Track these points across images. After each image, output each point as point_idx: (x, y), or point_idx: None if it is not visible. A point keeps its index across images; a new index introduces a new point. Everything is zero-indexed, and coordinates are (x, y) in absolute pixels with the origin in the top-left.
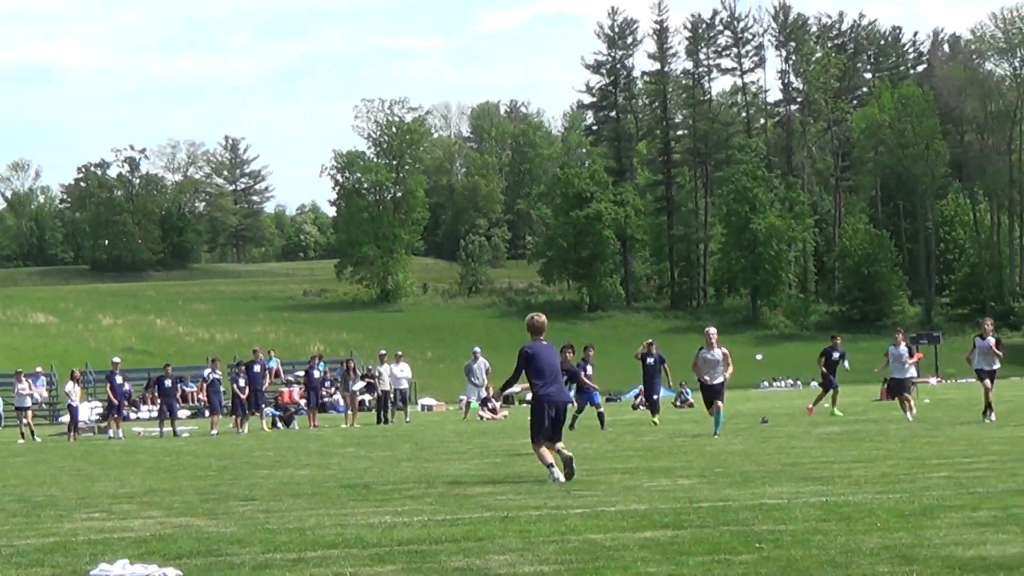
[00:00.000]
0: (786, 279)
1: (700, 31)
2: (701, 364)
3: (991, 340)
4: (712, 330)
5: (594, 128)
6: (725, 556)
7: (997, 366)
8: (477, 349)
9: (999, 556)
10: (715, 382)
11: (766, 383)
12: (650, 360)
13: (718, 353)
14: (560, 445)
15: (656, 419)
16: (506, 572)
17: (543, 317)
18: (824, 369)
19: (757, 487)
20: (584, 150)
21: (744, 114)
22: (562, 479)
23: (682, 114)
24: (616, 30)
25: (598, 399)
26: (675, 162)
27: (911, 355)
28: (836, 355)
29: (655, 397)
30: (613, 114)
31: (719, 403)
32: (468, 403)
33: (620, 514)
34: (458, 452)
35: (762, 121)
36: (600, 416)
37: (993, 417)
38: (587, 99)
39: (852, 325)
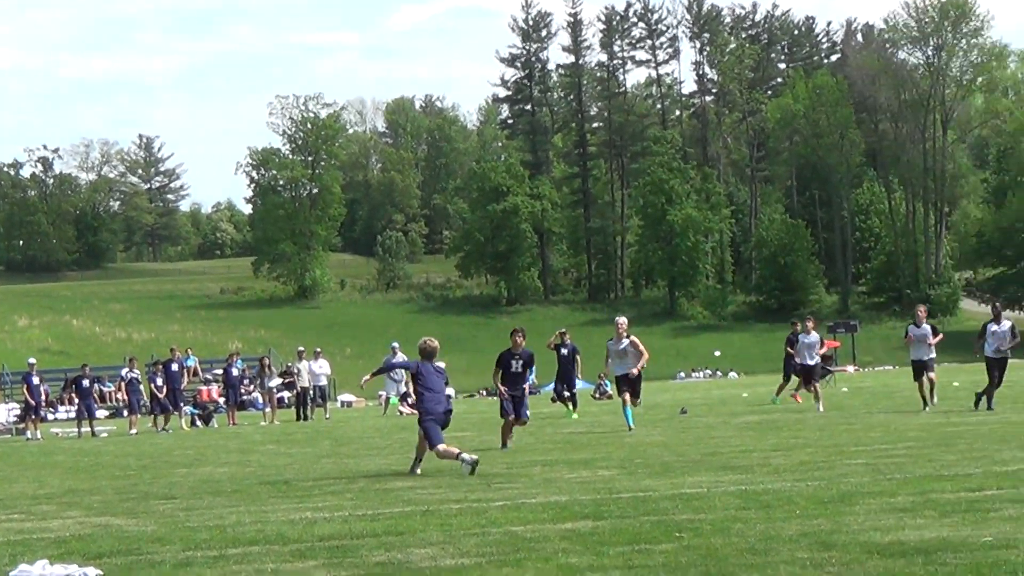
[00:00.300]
0: (703, 270)
1: (614, 23)
2: (612, 355)
3: (927, 328)
4: (622, 320)
5: (509, 122)
6: (645, 546)
7: (934, 355)
8: (395, 344)
9: (916, 541)
10: (624, 373)
11: (683, 374)
12: (564, 351)
13: (625, 343)
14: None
15: (576, 413)
16: (427, 565)
17: (435, 343)
18: (790, 352)
19: (677, 477)
20: (500, 144)
21: (659, 106)
22: (469, 458)
23: (597, 106)
24: (530, 23)
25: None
26: (591, 155)
27: (822, 344)
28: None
29: (574, 390)
30: (528, 107)
31: (626, 397)
32: (387, 399)
33: (541, 506)
34: (378, 447)
35: (677, 112)
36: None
37: (935, 401)
38: (502, 93)
39: (769, 315)
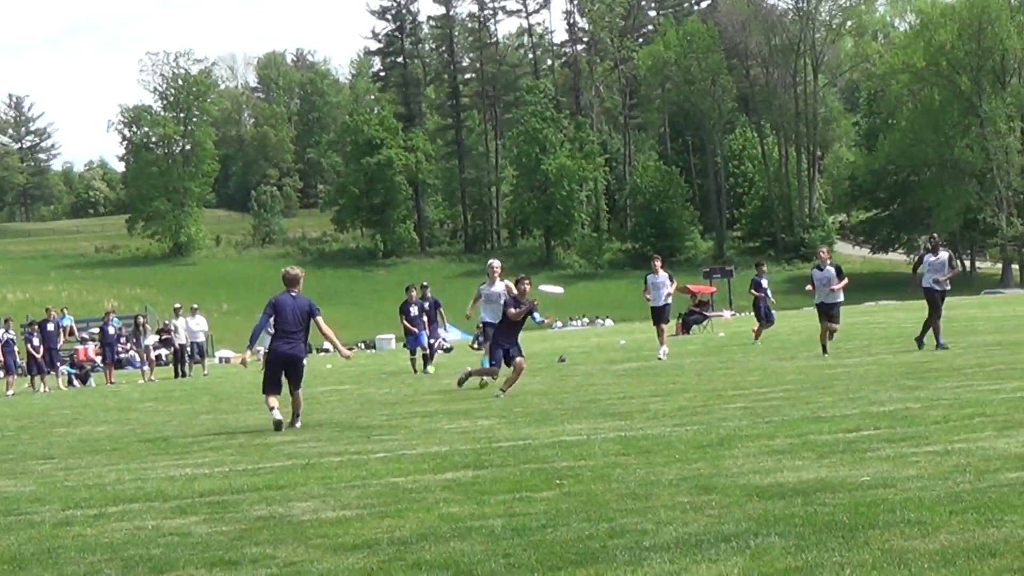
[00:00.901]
0: (579, 219)
1: None
2: (483, 299)
3: (831, 270)
4: (496, 263)
5: (382, 74)
6: (526, 494)
7: (840, 299)
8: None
9: (795, 482)
10: (494, 320)
11: (560, 323)
12: (425, 305)
13: (500, 286)
14: (299, 393)
15: (431, 368)
16: (309, 519)
17: (296, 270)
18: (756, 294)
19: (556, 425)
20: (372, 97)
21: (531, 55)
22: (279, 417)
23: (469, 58)
24: None
25: (424, 340)
26: (464, 106)
27: (671, 282)
28: (764, 282)
29: (432, 342)
30: (400, 60)
31: (485, 345)
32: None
33: (421, 457)
34: (257, 403)
35: (549, 62)
36: (425, 358)
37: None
38: (374, 46)
39: (645, 262)
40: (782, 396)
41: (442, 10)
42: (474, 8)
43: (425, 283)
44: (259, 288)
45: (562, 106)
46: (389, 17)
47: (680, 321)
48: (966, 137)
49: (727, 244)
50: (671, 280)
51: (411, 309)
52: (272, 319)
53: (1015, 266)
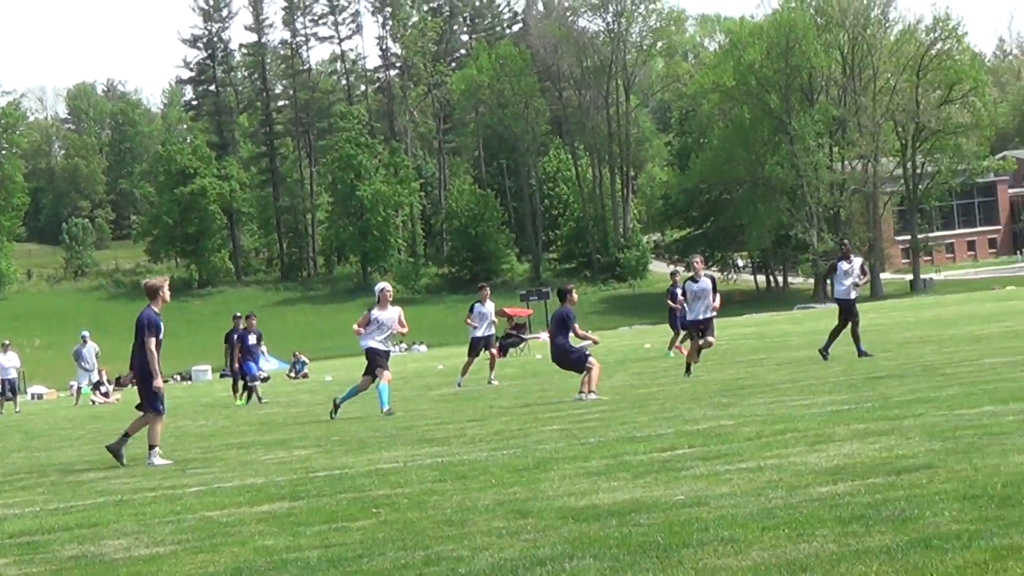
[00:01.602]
0: (395, 244)
1: (296, 1)
2: (378, 325)
3: (706, 282)
4: (387, 288)
5: (194, 103)
6: (342, 524)
7: (714, 313)
8: (85, 333)
9: (610, 503)
10: (383, 348)
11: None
12: (251, 337)
13: (394, 312)
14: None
15: (241, 400)
16: (121, 556)
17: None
18: (672, 306)
19: (373, 453)
20: (185, 126)
21: (344, 81)
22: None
23: (282, 85)
24: (211, 3)
25: (254, 370)
26: (278, 133)
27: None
28: (678, 291)
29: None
30: (212, 88)
31: (383, 372)
32: (79, 388)
33: (236, 489)
34: (71, 439)
35: (362, 88)
36: (250, 390)
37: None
38: (185, 74)
39: (463, 286)
40: (598, 417)
41: (254, 38)
42: (286, 35)
43: (251, 313)
44: (72, 322)
45: (376, 131)
46: (201, 45)
47: (497, 344)
48: (776, 154)
49: (543, 266)
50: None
51: (249, 337)
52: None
53: (827, 281)
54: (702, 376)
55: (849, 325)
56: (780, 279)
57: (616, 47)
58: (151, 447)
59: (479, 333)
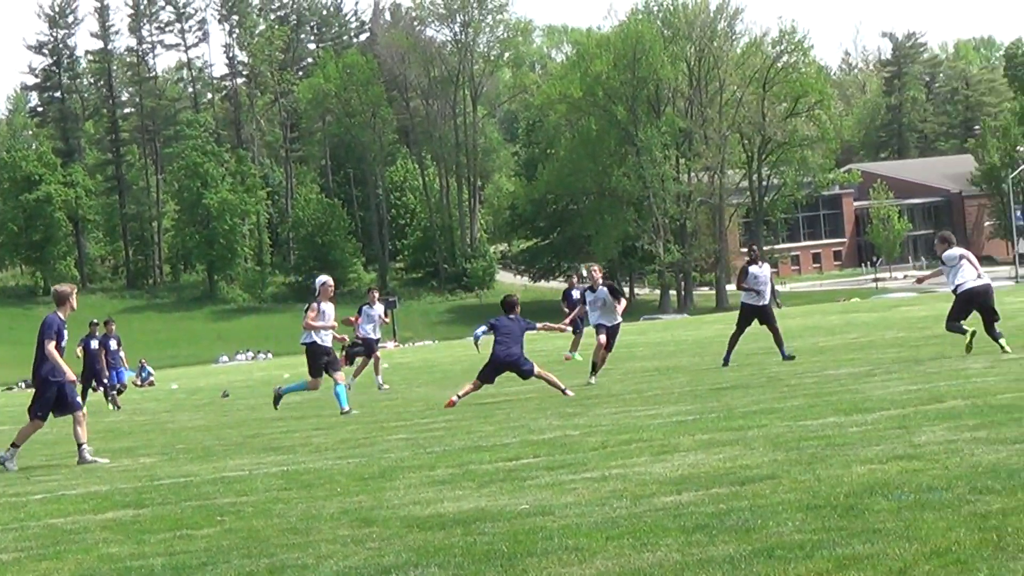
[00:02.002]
0: (241, 252)
1: (142, 8)
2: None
3: (603, 291)
4: (327, 280)
5: (39, 109)
6: (187, 531)
7: (619, 320)
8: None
9: (455, 512)
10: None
11: (225, 357)
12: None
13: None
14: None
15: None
16: None
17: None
18: (567, 310)
19: (219, 461)
20: (30, 132)
21: (191, 89)
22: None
23: (128, 92)
24: (57, 9)
25: (124, 377)
26: (124, 140)
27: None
28: (576, 293)
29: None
30: (58, 95)
31: (336, 374)
32: None
33: (81, 497)
34: None
35: (209, 96)
36: (107, 393)
37: (593, 380)
38: (31, 80)
39: (308, 295)
40: (444, 426)
41: (100, 44)
42: (132, 42)
43: (109, 319)
44: None
45: (223, 140)
46: (46, 52)
47: (344, 353)
48: (623, 166)
49: (390, 275)
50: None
51: (111, 343)
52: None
53: (672, 292)
54: (548, 386)
55: (768, 327)
56: (626, 290)
57: (463, 57)
58: (80, 445)
59: (371, 336)
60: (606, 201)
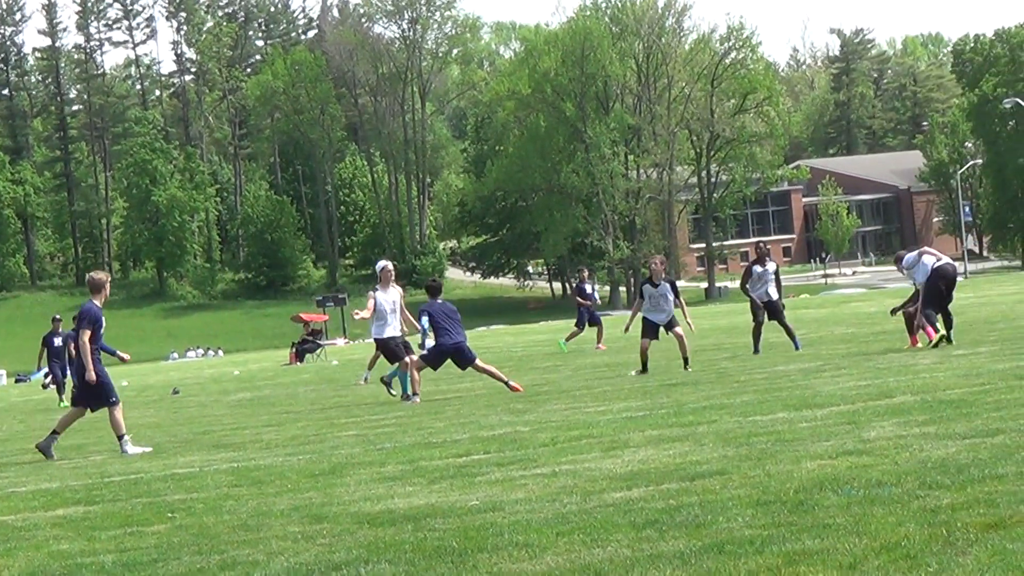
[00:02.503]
0: (191, 249)
1: (89, 5)
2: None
3: (665, 286)
4: (387, 264)
5: None
6: (137, 528)
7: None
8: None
9: (406, 508)
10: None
11: (176, 354)
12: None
13: (395, 292)
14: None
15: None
16: None
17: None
18: (581, 303)
19: (169, 458)
20: None
21: (139, 86)
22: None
23: (76, 89)
24: (4, 6)
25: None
26: (72, 138)
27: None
28: (587, 287)
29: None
30: (6, 92)
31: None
32: None
33: (31, 494)
34: None
35: (157, 93)
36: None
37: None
38: None
39: (259, 292)
40: (394, 423)
41: (48, 42)
42: (80, 40)
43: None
44: None
45: (172, 137)
46: None
47: (294, 350)
48: (572, 162)
49: (339, 272)
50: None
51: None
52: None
53: (622, 288)
54: (497, 383)
55: (777, 322)
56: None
57: (411, 54)
58: (120, 437)
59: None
60: (555, 198)
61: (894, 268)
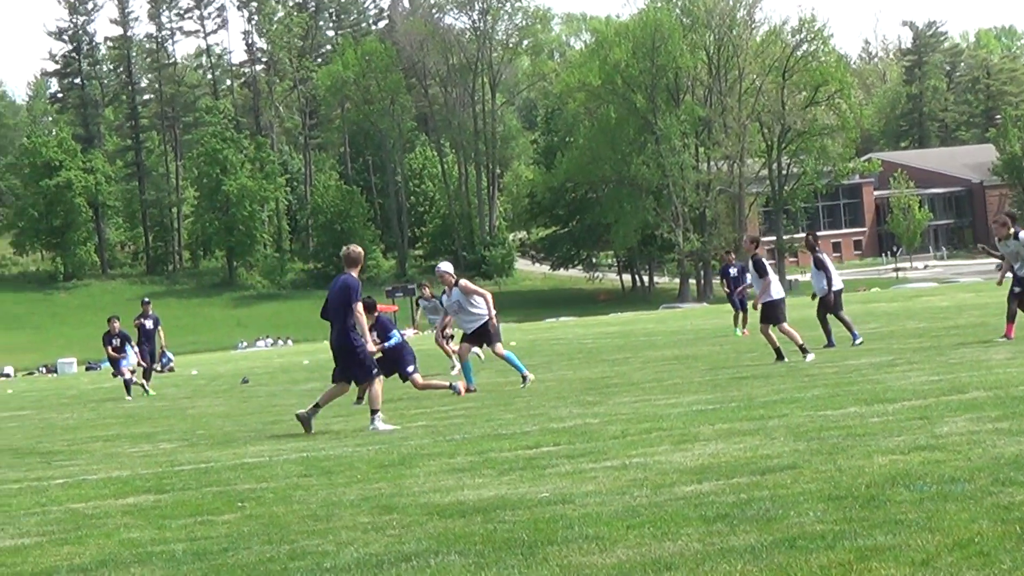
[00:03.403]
0: (260, 239)
1: None
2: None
3: (734, 269)
4: (446, 268)
5: (60, 96)
6: (208, 517)
7: (771, 297)
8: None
9: (475, 500)
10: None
11: (244, 343)
12: (148, 323)
13: (457, 293)
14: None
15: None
16: None
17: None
18: (727, 290)
19: (239, 447)
20: (51, 118)
21: (210, 76)
22: None
23: (148, 78)
24: None
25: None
26: (143, 127)
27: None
28: (733, 271)
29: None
30: (78, 81)
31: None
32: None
33: (102, 482)
34: None
35: (228, 82)
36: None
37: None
38: (51, 67)
39: (328, 281)
40: (463, 414)
41: (119, 31)
42: (152, 29)
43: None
44: None
45: (242, 126)
46: (66, 38)
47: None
48: (642, 154)
49: (409, 262)
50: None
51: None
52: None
53: (692, 280)
54: (568, 374)
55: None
56: (646, 278)
57: (482, 45)
58: (374, 412)
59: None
60: (625, 189)
61: (967, 262)
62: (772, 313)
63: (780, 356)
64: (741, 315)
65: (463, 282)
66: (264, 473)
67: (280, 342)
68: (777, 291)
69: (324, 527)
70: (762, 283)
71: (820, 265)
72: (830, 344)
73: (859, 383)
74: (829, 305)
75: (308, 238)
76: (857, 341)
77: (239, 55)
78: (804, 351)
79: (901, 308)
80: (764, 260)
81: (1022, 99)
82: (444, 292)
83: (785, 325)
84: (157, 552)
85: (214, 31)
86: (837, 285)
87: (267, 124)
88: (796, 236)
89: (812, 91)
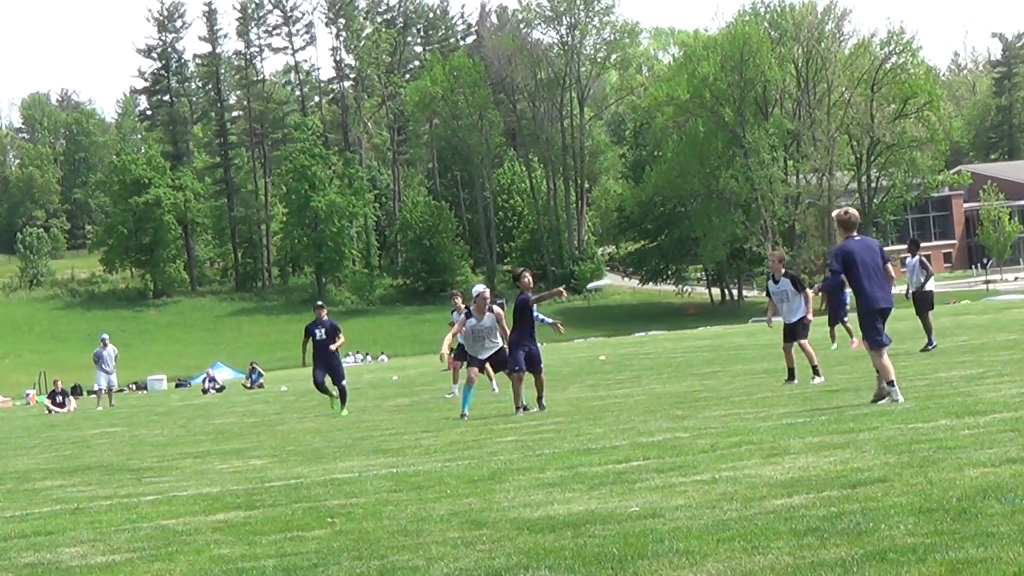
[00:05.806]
0: (349, 255)
1: (249, 11)
2: (467, 334)
3: (786, 282)
4: (483, 291)
5: (148, 113)
6: (298, 533)
7: (803, 316)
8: (105, 336)
9: (565, 514)
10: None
11: None
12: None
13: (490, 318)
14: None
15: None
16: (77, 564)
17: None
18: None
19: (328, 463)
20: (140, 136)
21: (298, 92)
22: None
23: (236, 95)
24: (165, 13)
25: None
26: (232, 144)
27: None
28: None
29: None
30: (167, 98)
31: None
32: (101, 391)
33: (192, 498)
34: (26, 447)
35: (316, 99)
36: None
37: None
38: (140, 84)
39: (417, 297)
40: (553, 428)
41: (208, 48)
42: (240, 46)
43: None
44: (27, 331)
45: (330, 143)
46: (155, 56)
47: (451, 355)
48: (731, 168)
49: (498, 278)
50: (796, 286)
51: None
52: None
53: None
54: (657, 388)
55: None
56: (735, 292)
57: (570, 59)
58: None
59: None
60: (714, 203)
61: None
62: (799, 331)
63: (792, 377)
64: (843, 328)
65: (498, 311)
66: (354, 489)
67: (368, 358)
68: (804, 309)
69: (414, 542)
70: (799, 299)
71: (925, 265)
72: (930, 343)
73: (949, 396)
74: (929, 301)
75: (397, 254)
76: (932, 346)
77: (327, 71)
78: (816, 372)
79: (991, 320)
80: (799, 276)
81: None
82: (467, 311)
83: (805, 342)
84: (247, 568)
85: (302, 48)
86: (931, 287)
87: (355, 140)
88: (886, 249)
89: (901, 103)
